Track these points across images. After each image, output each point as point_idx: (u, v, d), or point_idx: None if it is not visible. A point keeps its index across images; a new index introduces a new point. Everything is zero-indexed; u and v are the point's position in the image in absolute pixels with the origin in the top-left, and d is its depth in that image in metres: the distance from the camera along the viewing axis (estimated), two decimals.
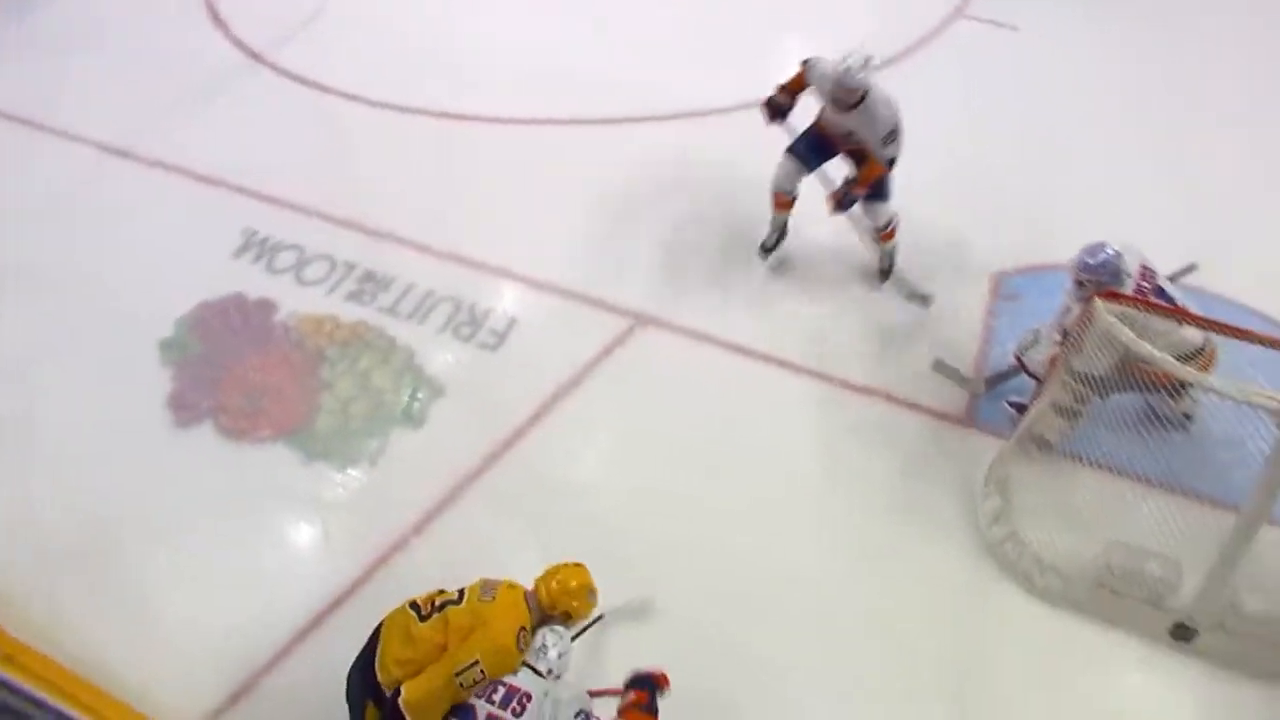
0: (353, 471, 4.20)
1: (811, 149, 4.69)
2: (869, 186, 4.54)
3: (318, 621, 3.64)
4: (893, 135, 4.37)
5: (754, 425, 4.31)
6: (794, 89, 4.57)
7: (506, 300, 4.89)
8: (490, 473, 4.13)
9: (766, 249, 4.99)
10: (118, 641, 3.59)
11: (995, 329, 4.76)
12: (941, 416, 4.40)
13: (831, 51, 4.37)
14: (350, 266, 5.01)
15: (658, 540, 3.90)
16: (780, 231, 4.98)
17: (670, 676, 3.03)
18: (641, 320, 4.72)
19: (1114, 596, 3.69)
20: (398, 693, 2.80)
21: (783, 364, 4.57)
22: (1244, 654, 3.57)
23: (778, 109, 4.61)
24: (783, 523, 3.98)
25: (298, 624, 3.64)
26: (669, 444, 4.21)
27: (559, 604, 3.04)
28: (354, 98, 6.10)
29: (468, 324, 4.75)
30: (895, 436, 4.32)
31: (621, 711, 2.91)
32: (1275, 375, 3.28)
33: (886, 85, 4.46)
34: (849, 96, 4.28)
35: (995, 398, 4.43)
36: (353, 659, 3.04)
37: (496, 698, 2.82)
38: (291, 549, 4.03)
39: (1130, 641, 3.66)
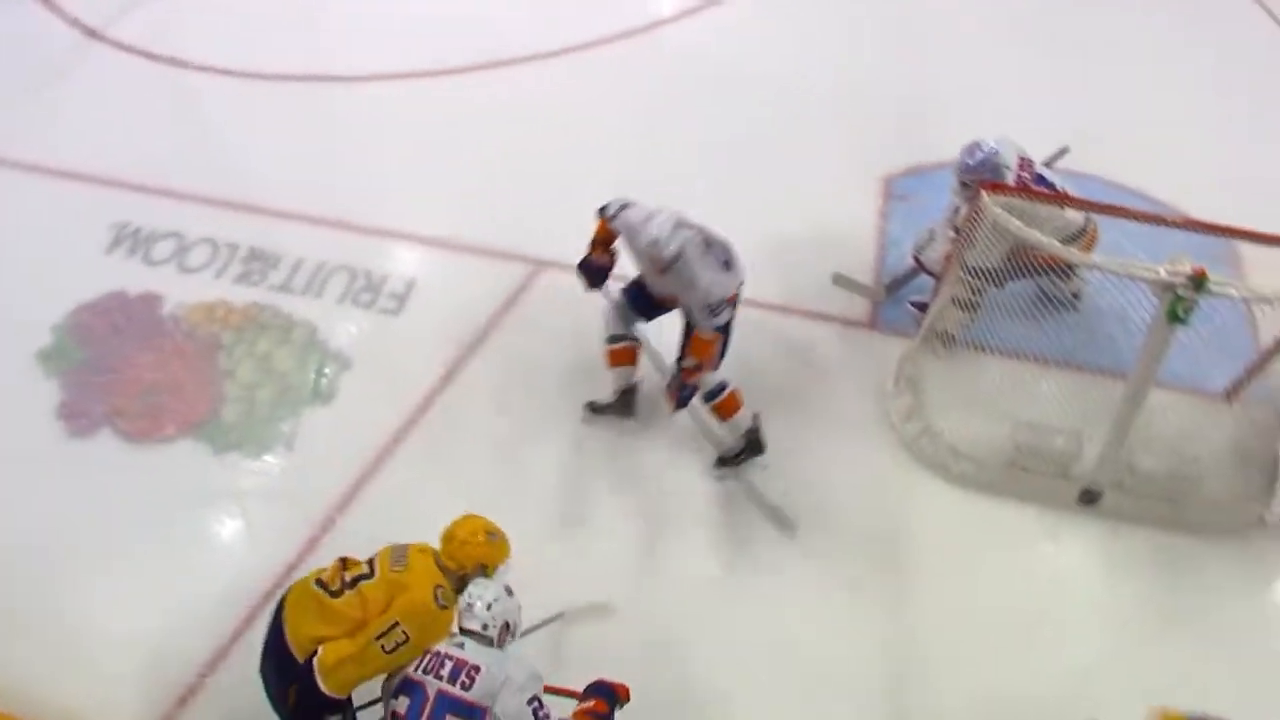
0: (268, 458, 4.09)
1: (641, 299, 3.88)
2: (705, 363, 3.70)
3: (254, 615, 3.55)
4: (718, 307, 3.58)
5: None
6: (605, 242, 3.77)
7: (402, 262, 4.77)
8: (409, 439, 4.08)
9: (594, 409, 4.09)
10: (46, 672, 3.45)
11: (889, 232, 4.88)
12: (848, 324, 4.51)
13: None
14: (234, 248, 4.80)
15: (586, 484, 3.95)
16: (623, 397, 4.06)
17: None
18: (541, 265, 4.66)
19: (1024, 473, 3.90)
20: (314, 655, 2.75)
21: None
22: (1142, 509, 3.83)
23: (595, 273, 3.79)
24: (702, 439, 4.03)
25: (235, 620, 3.57)
26: (585, 385, 4.19)
27: (461, 558, 2.96)
28: (210, 69, 5.77)
29: (366, 291, 4.63)
30: (806, 348, 4.41)
31: (575, 715, 2.83)
32: (1153, 248, 3.44)
33: None
34: (658, 261, 3.53)
35: (897, 301, 4.56)
36: None
37: (444, 672, 2.74)
38: (216, 546, 3.92)
39: (1043, 512, 3.89)
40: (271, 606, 3.03)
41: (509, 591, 2.93)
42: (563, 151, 5.22)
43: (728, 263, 3.68)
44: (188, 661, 3.48)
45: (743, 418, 3.85)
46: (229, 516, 3.95)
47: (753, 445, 3.91)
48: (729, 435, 3.91)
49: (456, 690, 2.72)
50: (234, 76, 5.73)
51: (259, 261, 4.74)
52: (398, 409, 4.15)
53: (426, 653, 2.79)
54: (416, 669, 2.77)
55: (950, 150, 4.18)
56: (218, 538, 3.93)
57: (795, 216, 4.91)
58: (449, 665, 2.75)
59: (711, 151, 5.18)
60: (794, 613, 3.61)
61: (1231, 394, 4.10)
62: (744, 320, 4.36)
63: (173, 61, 5.83)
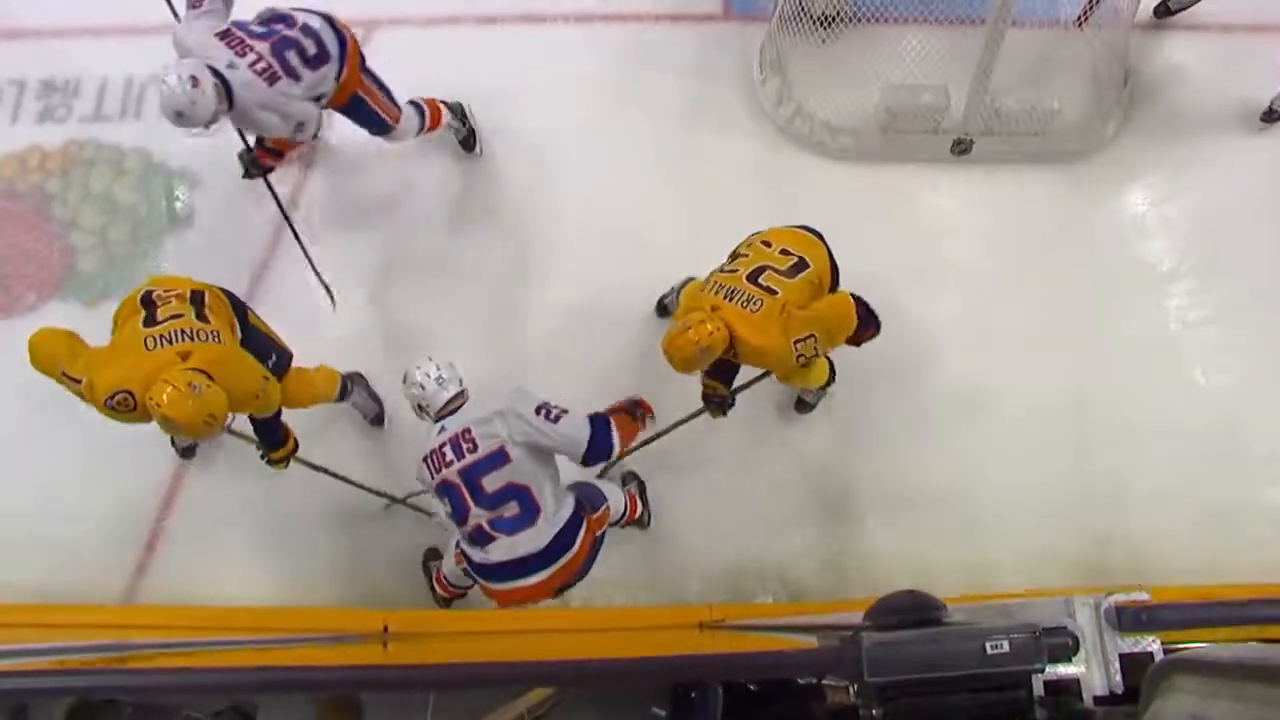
0: None
1: None
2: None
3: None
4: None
5: (532, 91, 4.10)
6: None
7: None
8: (285, 238, 3.81)
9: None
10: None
11: None
12: (700, 20, 4.32)
13: None
14: (20, 84, 4.21)
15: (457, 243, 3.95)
16: None
17: None
18: (374, 25, 4.23)
19: (900, 135, 3.99)
20: None
21: (538, 19, 4.27)
22: (1010, 148, 4.01)
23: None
24: (589, 171, 3.98)
25: (170, 461, 3.57)
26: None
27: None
28: None
29: None
30: (666, 53, 4.24)
31: (611, 409, 2.95)
32: None
33: None
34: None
35: None
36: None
37: (450, 457, 2.78)
38: None
39: (922, 168, 4.04)
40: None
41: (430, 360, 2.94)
42: None
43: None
44: (141, 514, 3.51)
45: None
46: None
47: None
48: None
49: (469, 459, 2.75)
50: None
51: (57, 94, 4.20)
52: (265, 210, 3.83)
53: (430, 455, 2.83)
54: (432, 475, 2.83)
55: None
56: None
57: None
58: (449, 450, 2.78)
59: None
60: None
61: (1081, 19, 4.16)
62: (601, 41, 4.20)
63: None
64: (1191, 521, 3.54)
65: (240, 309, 3.11)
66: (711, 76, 4.19)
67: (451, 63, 4.06)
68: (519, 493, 2.73)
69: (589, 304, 3.83)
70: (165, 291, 2.87)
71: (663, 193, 3.95)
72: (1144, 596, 2.02)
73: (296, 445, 3.21)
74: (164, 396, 2.54)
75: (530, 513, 2.73)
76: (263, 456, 3.18)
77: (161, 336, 2.72)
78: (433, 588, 3.39)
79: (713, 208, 3.86)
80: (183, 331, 2.75)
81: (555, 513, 2.76)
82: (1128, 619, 1.97)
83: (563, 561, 2.76)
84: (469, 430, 2.77)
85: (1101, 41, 4.11)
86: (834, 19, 3.97)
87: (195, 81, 2.86)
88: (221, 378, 2.67)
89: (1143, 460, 3.62)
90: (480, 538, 2.76)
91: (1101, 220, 4.01)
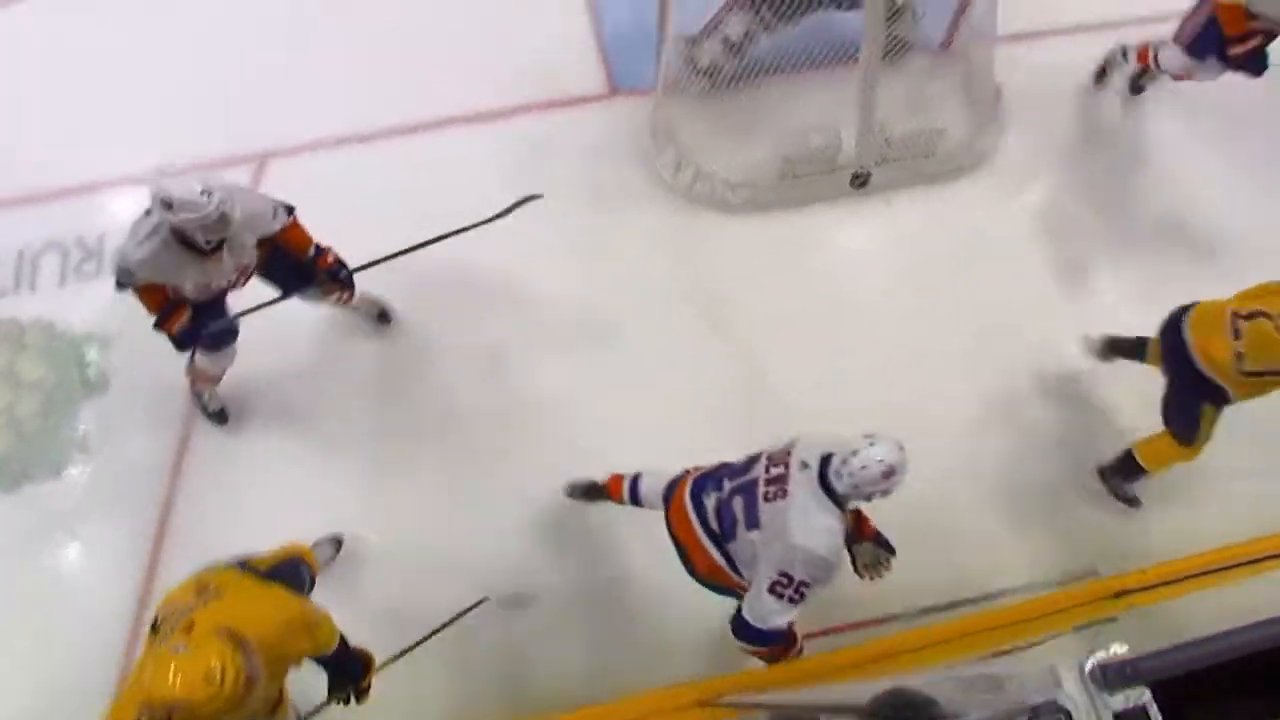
0: (71, 470, 3.73)
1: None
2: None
3: (139, 632, 3.31)
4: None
5: (435, 194, 3.88)
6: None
7: (115, 214, 4.04)
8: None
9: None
10: None
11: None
12: (589, 101, 4.40)
13: None
14: None
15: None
16: None
17: None
18: (269, 155, 4.21)
19: (799, 180, 4.09)
20: None
21: (428, 127, 4.29)
22: (905, 174, 4.15)
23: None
24: (500, 271, 3.95)
25: (123, 643, 3.37)
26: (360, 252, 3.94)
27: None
28: None
29: (87, 260, 4.07)
30: (560, 140, 4.28)
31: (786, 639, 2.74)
32: None
33: None
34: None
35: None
36: None
37: (770, 472, 2.63)
38: (64, 584, 3.59)
39: (825, 209, 4.14)
40: (149, 616, 2.80)
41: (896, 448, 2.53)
42: (244, 38, 4.47)
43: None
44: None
45: None
46: (60, 549, 3.62)
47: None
48: None
49: (762, 492, 2.61)
50: None
51: None
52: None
53: (786, 451, 2.67)
54: (766, 454, 2.71)
55: None
56: (62, 578, 3.60)
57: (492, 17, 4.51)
58: (780, 469, 2.62)
59: None
60: (648, 366, 3.76)
61: (947, 42, 4.39)
62: (493, 140, 4.23)
63: None
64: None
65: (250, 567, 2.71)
66: (608, 156, 4.24)
67: (349, 184, 4.03)
68: (734, 528, 2.70)
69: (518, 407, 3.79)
70: (169, 602, 2.48)
71: (577, 279, 3.95)
72: (1123, 650, 1.97)
73: (372, 661, 2.77)
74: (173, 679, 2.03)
75: (725, 537, 2.75)
76: (347, 700, 2.68)
77: (166, 628, 2.29)
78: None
79: (628, 285, 3.90)
80: (183, 609, 2.31)
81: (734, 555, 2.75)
82: (1113, 678, 1.90)
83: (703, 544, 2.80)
84: (788, 499, 2.58)
85: (970, 61, 4.32)
86: (719, 71, 4.08)
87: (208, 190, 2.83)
88: (243, 623, 2.20)
89: (1086, 452, 3.66)
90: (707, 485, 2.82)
91: (1004, 225, 4.14)
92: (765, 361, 3.80)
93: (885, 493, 2.52)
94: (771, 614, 2.57)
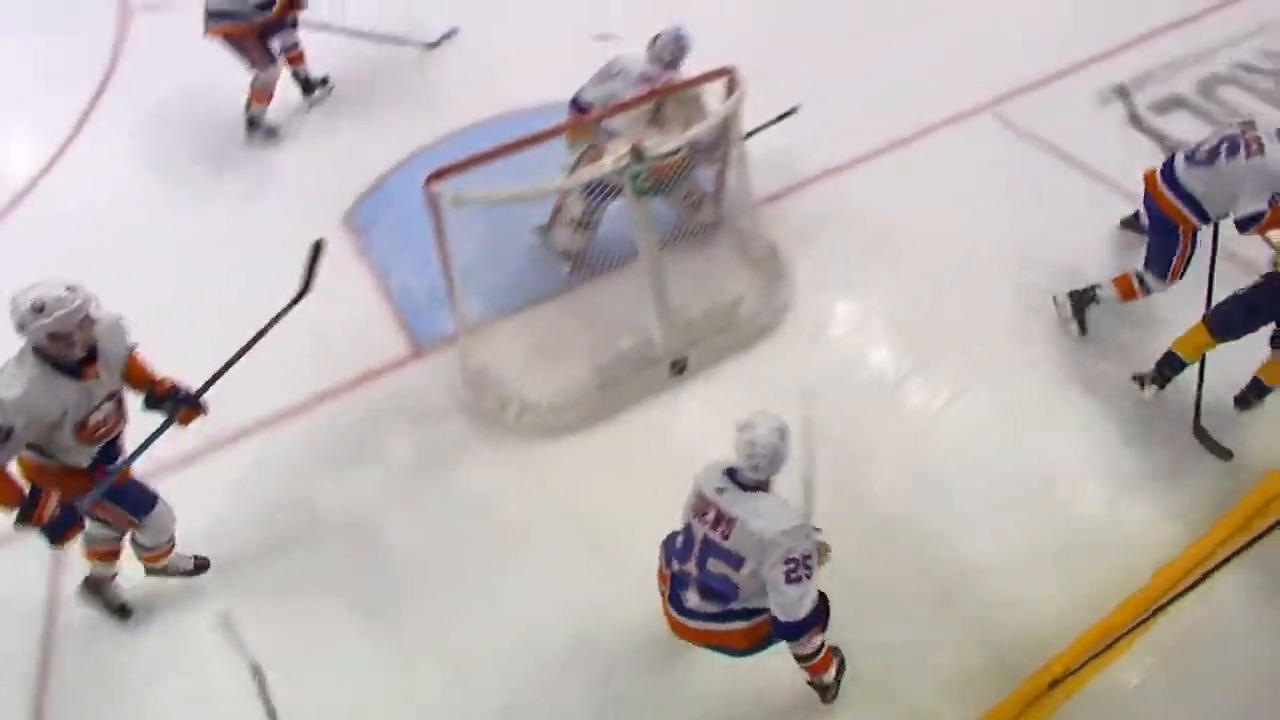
0: None
1: None
2: None
3: None
4: None
5: (265, 516, 3.86)
6: None
7: None
8: None
9: None
10: None
11: (380, 263, 4.78)
12: (394, 366, 4.37)
13: None
14: None
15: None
16: None
17: None
18: None
19: (619, 385, 4.14)
20: None
21: (252, 431, 4.13)
22: (717, 350, 4.29)
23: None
24: (343, 563, 3.74)
25: None
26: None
27: None
28: None
29: None
30: (378, 415, 4.20)
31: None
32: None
33: None
34: None
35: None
36: None
37: (709, 517, 2.78)
38: None
39: (654, 402, 4.19)
40: None
41: (779, 429, 2.76)
42: None
43: None
44: None
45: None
46: None
47: None
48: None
49: (717, 538, 2.76)
50: None
51: None
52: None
53: (702, 498, 2.81)
54: (691, 512, 2.85)
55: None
56: None
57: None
58: (712, 512, 2.77)
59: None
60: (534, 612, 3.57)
61: (715, 218, 4.72)
62: (313, 429, 4.12)
63: None
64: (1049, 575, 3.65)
65: None
66: (432, 416, 4.17)
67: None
68: (728, 584, 2.81)
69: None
70: None
71: (426, 550, 3.76)
72: None
73: None
74: None
75: (728, 597, 2.84)
76: None
77: None
78: None
79: (480, 542, 3.75)
80: None
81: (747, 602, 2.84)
82: None
83: (723, 628, 2.90)
84: (732, 523, 2.74)
85: (741, 229, 4.63)
86: (578, 252, 4.32)
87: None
88: None
89: (970, 546, 3.72)
90: (681, 583, 2.92)
91: (818, 364, 4.31)
92: (629, 576, 3.54)
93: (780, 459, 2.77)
94: (801, 600, 2.71)
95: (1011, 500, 3.86)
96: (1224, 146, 3.81)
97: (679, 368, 4.19)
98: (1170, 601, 3.06)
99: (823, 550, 2.96)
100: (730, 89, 4.13)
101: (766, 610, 2.79)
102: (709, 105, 4.33)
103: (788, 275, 4.57)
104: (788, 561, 2.67)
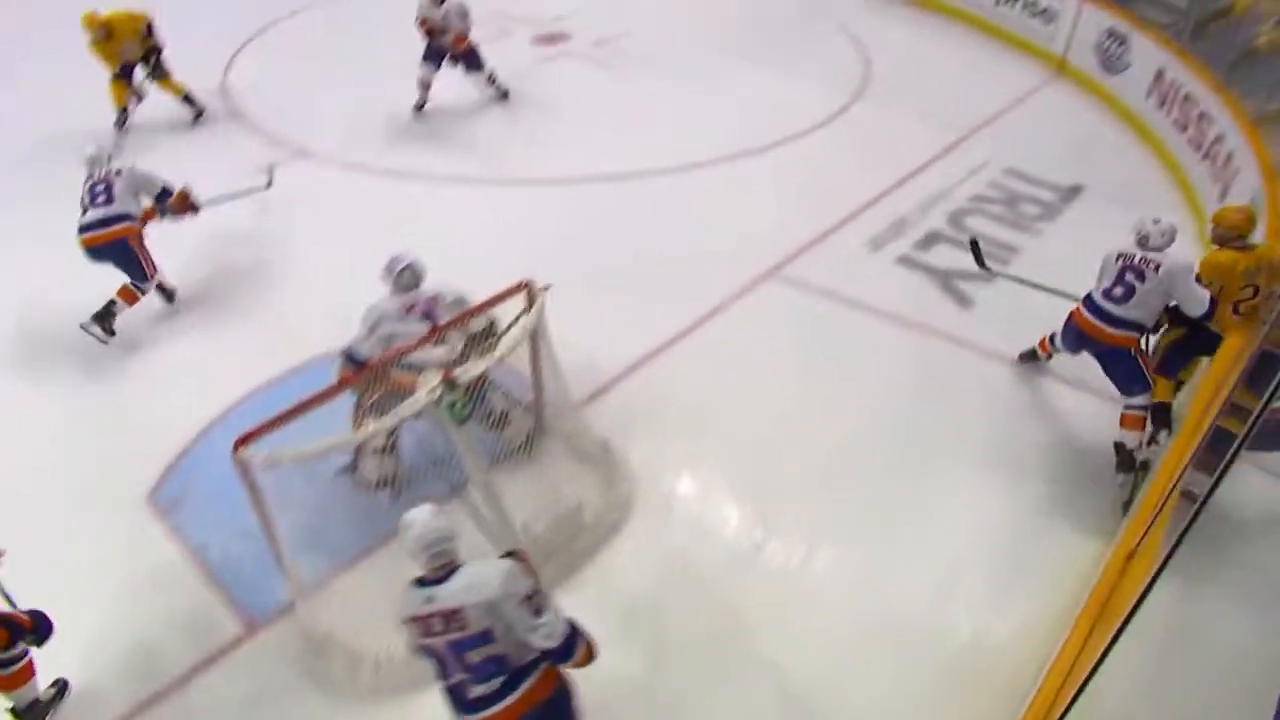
0: None
1: None
2: None
3: None
4: None
5: None
6: None
7: None
8: None
9: None
10: None
11: (192, 538, 4.42)
12: (230, 649, 3.98)
13: None
14: None
15: None
16: None
17: None
18: None
19: None
20: None
21: None
22: (568, 560, 4.18)
23: None
24: None
25: None
26: None
27: None
28: None
29: None
30: (219, 709, 3.78)
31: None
32: None
33: None
34: None
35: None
36: None
37: (438, 628, 2.85)
38: None
39: None
40: None
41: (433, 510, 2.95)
42: None
43: None
44: None
45: None
46: None
47: None
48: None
49: (458, 635, 2.83)
50: None
51: None
52: None
53: (418, 620, 2.87)
54: (417, 638, 2.90)
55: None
56: None
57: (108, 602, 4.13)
58: (436, 622, 2.84)
59: None
60: None
61: (540, 427, 4.72)
62: None
63: None
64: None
65: None
66: (281, 694, 3.81)
67: None
68: (496, 659, 2.88)
69: None
70: None
71: None
72: None
73: None
74: None
75: (505, 667, 2.90)
76: None
77: None
78: None
79: None
80: None
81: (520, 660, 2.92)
82: None
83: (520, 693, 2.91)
84: (456, 612, 2.82)
85: (568, 434, 4.62)
86: (389, 478, 4.26)
87: None
88: None
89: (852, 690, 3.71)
90: (460, 692, 2.94)
91: (678, 548, 4.29)
92: None
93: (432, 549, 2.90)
94: (555, 621, 2.87)
95: (883, 637, 3.91)
96: (1129, 277, 4.42)
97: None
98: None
99: (533, 569, 3.12)
100: (530, 301, 4.23)
101: (538, 654, 2.91)
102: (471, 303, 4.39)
103: (623, 468, 4.58)
104: (523, 602, 2.83)
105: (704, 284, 5.98)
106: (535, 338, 4.27)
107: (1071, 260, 5.14)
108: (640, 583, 4.16)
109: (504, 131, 8.22)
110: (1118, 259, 4.50)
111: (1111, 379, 4.62)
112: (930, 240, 6.52)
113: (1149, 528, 3.66)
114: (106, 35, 7.74)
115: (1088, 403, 5.08)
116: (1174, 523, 3.27)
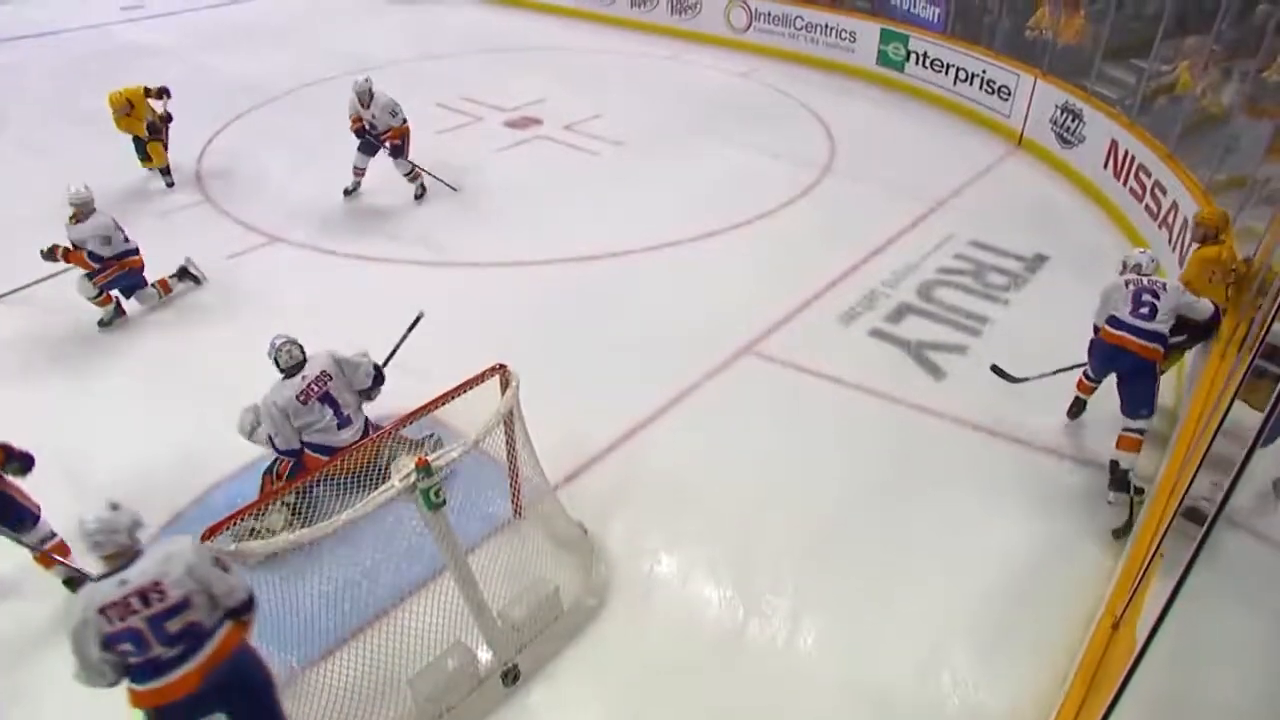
0: None
1: None
2: None
3: None
4: None
5: None
6: None
7: None
8: None
9: None
10: None
11: None
12: None
13: None
14: None
15: None
16: None
17: None
18: None
19: (453, 710, 3.80)
20: None
21: None
22: (549, 642, 4.08)
23: None
24: None
25: None
26: None
27: None
28: None
29: None
30: None
31: None
32: None
33: None
34: None
35: None
36: None
37: (139, 608, 3.04)
38: None
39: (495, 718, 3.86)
40: None
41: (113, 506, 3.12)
42: None
43: None
44: None
45: None
46: None
47: None
48: None
49: (158, 607, 3.04)
50: None
51: None
52: None
53: (113, 606, 3.02)
54: (113, 624, 3.02)
55: None
56: None
57: None
58: (135, 599, 3.03)
59: None
60: None
61: (517, 511, 4.65)
62: None
63: None
64: None
65: None
66: None
67: None
68: (194, 626, 3.12)
69: None
70: None
71: None
72: None
73: None
74: None
75: (198, 634, 3.14)
76: None
77: None
78: None
79: None
80: None
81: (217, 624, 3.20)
82: None
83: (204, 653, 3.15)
84: (157, 584, 3.05)
85: (544, 516, 4.55)
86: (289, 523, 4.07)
87: None
88: None
89: None
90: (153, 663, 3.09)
91: (658, 630, 4.20)
92: None
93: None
94: (240, 580, 3.25)
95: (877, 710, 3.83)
96: (1147, 297, 4.81)
97: (512, 677, 3.92)
98: None
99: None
100: (504, 385, 4.21)
101: (225, 620, 3.18)
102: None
103: (600, 550, 4.51)
104: (214, 563, 3.16)
105: (679, 362, 6.00)
106: (509, 421, 4.23)
107: (1043, 326, 5.19)
108: (621, 670, 4.05)
109: (479, 214, 8.33)
110: (1127, 285, 4.89)
111: (1126, 398, 4.85)
112: (901, 312, 6.60)
113: (1134, 592, 3.63)
114: (129, 109, 8.51)
115: (1066, 468, 5.10)
116: (1175, 545, 3.26)
